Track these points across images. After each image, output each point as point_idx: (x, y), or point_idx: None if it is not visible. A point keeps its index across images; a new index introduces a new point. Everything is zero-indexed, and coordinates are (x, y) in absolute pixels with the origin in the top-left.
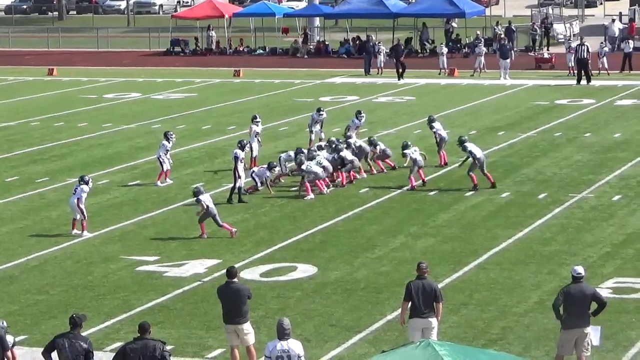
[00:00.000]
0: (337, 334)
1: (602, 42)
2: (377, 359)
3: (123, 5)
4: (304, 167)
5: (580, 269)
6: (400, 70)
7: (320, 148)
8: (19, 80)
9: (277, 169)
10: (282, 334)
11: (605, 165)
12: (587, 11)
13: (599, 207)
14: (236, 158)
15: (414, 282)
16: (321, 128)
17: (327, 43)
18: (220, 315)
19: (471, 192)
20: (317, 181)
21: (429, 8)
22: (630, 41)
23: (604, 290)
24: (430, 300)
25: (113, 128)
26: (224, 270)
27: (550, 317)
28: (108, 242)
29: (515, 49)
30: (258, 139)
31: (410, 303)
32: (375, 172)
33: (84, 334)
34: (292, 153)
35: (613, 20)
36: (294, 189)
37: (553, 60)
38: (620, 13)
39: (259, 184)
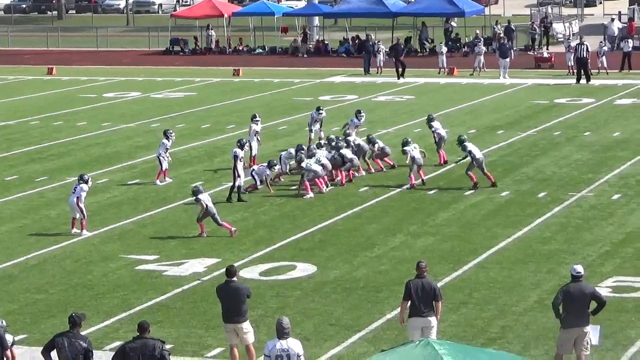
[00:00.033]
0: (337, 333)
1: (601, 42)
2: (376, 358)
3: (122, 4)
4: (303, 164)
5: (579, 268)
6: (401, 69)
7: (319, 146)
8: (18, 80)
9: (277, 167)
10: (282, 333)
11: (604, 164)
12: (587, 10)
13: (599, 206)
14: (235, 157)
15: (414, 281)
16: (321, 127)
17: (326, 42)
18: (219, 314)
19: (471, 191)
20: (316, 180)
21: (429, 7)
22: (630, 40)
23: (604, 289)
24: (430, 299)
25: (112, 127)
26: (224, 269)
27: (549, 316)
28: (107, 241)
29: (514, 48)
30: (258, 138)
31: (409, 302)
32: (373, 171)
33: (83, 333)
34: (292, 151)
35: (612, 20)
36: (293, 187)
37: (552, 59)
38: (620, 12)
39: (258, 183)
